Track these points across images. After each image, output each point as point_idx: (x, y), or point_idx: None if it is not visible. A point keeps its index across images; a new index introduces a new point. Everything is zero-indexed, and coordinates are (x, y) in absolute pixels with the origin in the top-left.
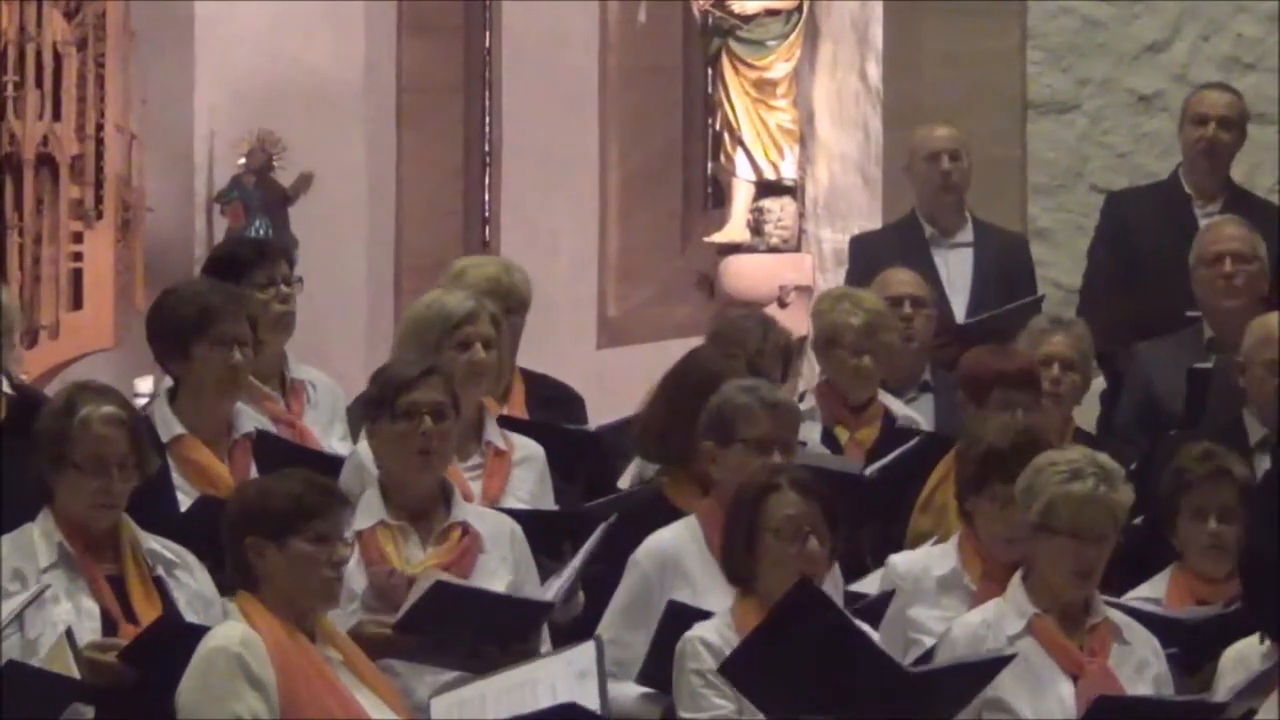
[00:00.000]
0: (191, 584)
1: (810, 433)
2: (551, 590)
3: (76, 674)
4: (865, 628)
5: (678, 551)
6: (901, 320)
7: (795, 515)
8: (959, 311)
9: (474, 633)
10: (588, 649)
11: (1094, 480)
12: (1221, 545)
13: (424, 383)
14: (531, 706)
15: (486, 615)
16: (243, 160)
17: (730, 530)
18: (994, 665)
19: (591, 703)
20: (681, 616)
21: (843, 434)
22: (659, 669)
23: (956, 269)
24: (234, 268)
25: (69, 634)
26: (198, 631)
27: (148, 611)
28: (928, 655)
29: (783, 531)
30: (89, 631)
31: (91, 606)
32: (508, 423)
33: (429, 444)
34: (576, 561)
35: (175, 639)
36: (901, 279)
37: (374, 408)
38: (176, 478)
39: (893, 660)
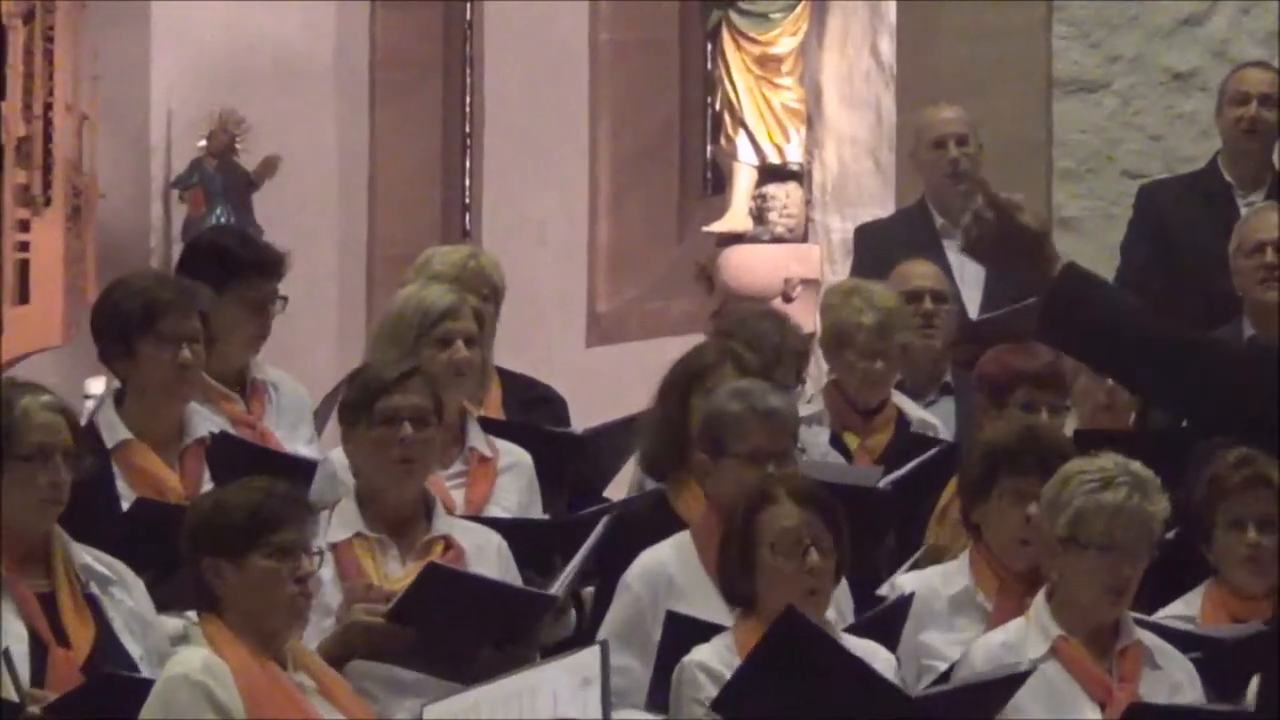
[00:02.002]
0: (128, 603)
1: (818, 438)
2: (554, 586)
3: (15, 697)
4: (868, 644)
5: (670, 571)
6: (920, 316)
7: (793, 528)
8: (971, 307)
9: (470, 626)
10: (592, 654)
11: (1127, 490)
12: (1261, 557)
13: (404, 386)
14: (530, 716)
15: (483, 605)
16: (203, 142)
17: (726, 547)
18: (1008, 685)
19: (593, 712)
20: (683, 629)
21: (852, 440)
22: (667, 690)
23: (969, 261)
24: (223, 271)
25: (6, 656)
26: (137, 685)
27: (80, 632)
28: (945, 679)
29: (780, 546)
30: (16, 656)
31: (19, 629)
32: (489, 426)
33: (410, 452)
34: (576, 561)
35: (111, 693)
36: (921, 271)
37: (350, 412)
38: (122, 486)
39: (893, 685)
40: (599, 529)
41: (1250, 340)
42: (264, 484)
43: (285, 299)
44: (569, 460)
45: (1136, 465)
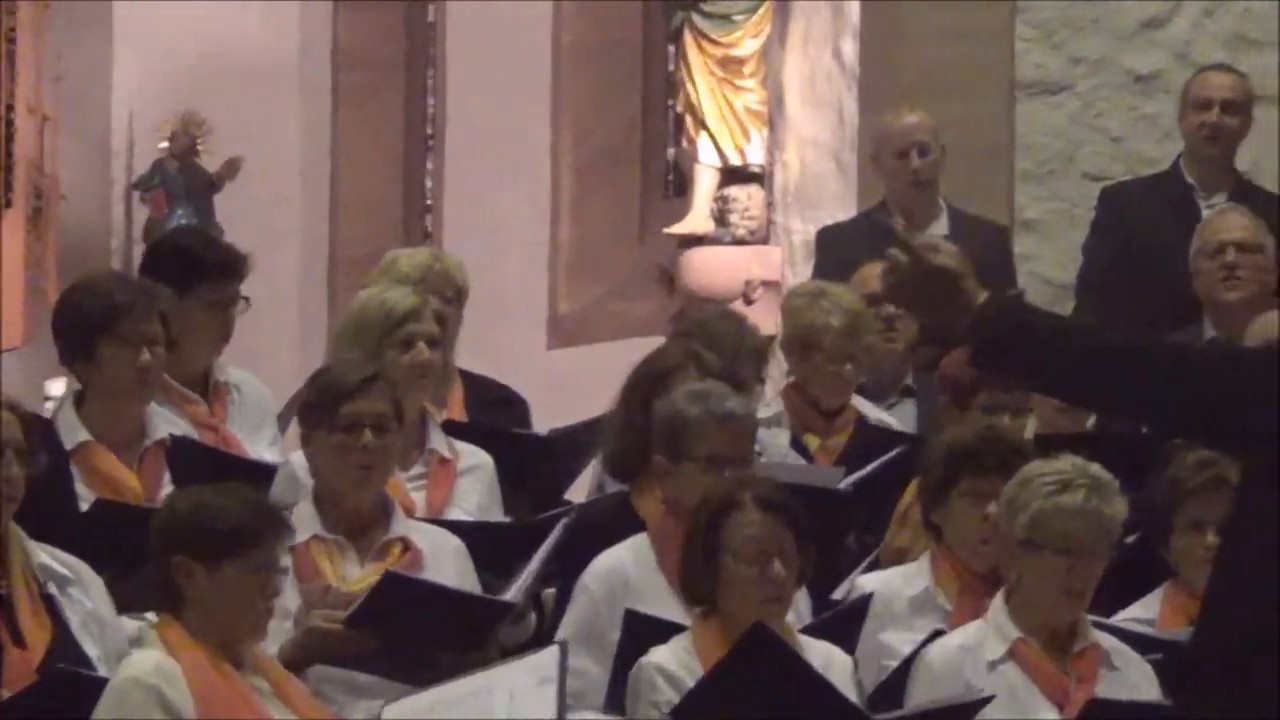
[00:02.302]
0: (86, 603)
1: (777, 439)
2: (510, 592)
3: None
4: (826, 647)
5: (628, 572)
6: (882, 320)
7: (758, 536)
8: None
9: (429, 632)
10: (550, 654)
11: (1085, 492)
12: None
13: (367, 391)
14: (487, 715)
15: (442, 612)
16: (165, 144)
17: (689, 550)
18: (968, 709)
19: (548, 711)
20: (642, 628)
21: (813, 441)
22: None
23: None
24: (186, 271)
25: None
26: (92, 684)
27: (36, 633)
28: (900, 674)
29: (743, 553)
30: None
31: None
32: (452, 428)
33: (370, 459)
34: (533, 565)
35: (66, 691)
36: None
37: (312, 414)
38: (81, 488)
39: (855, 707)
40: (556, 533)
41: (1210, 342)
42: (248, 494)
43: (248, 300)
44: (534, 462)
45: (1095, 468)
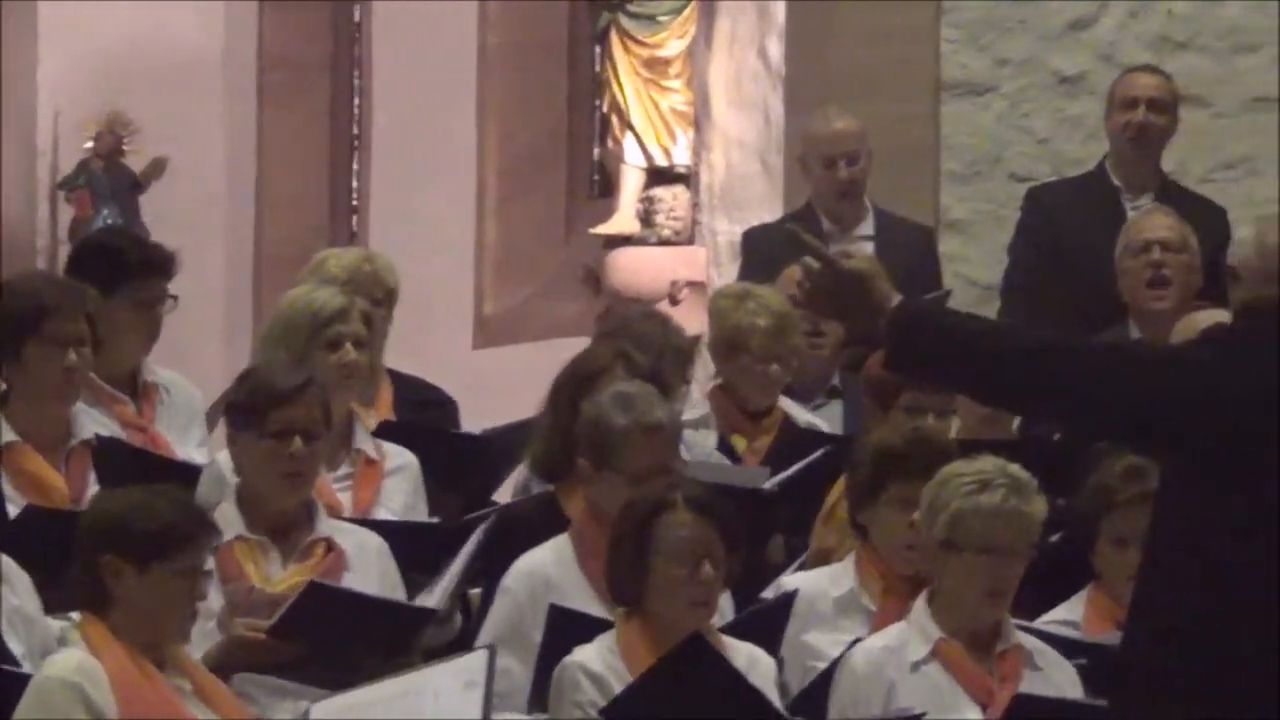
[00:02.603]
0: (12, 599)
1: (704, 440)
2: (434, 598)
3: None
4: (751, 649)
5: (549, 573)
6: (808, 321)
7: (689, 537)
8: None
9: (352, 640)
10: (478, 658)
11: (1004, 491)
12: None
13: (299, 398)
14: (414, 716)
15: (365, 621)
16: (90, 143)
17: (617, 549)
18: None
19: (473, 714)
20: (566, 623)
21: (740, 443)
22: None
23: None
24: (112, 270)
25: None
26: (14, 680)
27: None
28: (824, 677)
29: (674, 555)
30: None
31: None
32: (391, 430)
33: (299, 467)
34: (456, 566)
35: None
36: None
37: (240, 416)
38: (8, 489)
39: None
40: (476, 536)
41: (1136, 343)
42: (177, 496)
43: (175, 298)
44: (467, 462)
45: (1014, 467)
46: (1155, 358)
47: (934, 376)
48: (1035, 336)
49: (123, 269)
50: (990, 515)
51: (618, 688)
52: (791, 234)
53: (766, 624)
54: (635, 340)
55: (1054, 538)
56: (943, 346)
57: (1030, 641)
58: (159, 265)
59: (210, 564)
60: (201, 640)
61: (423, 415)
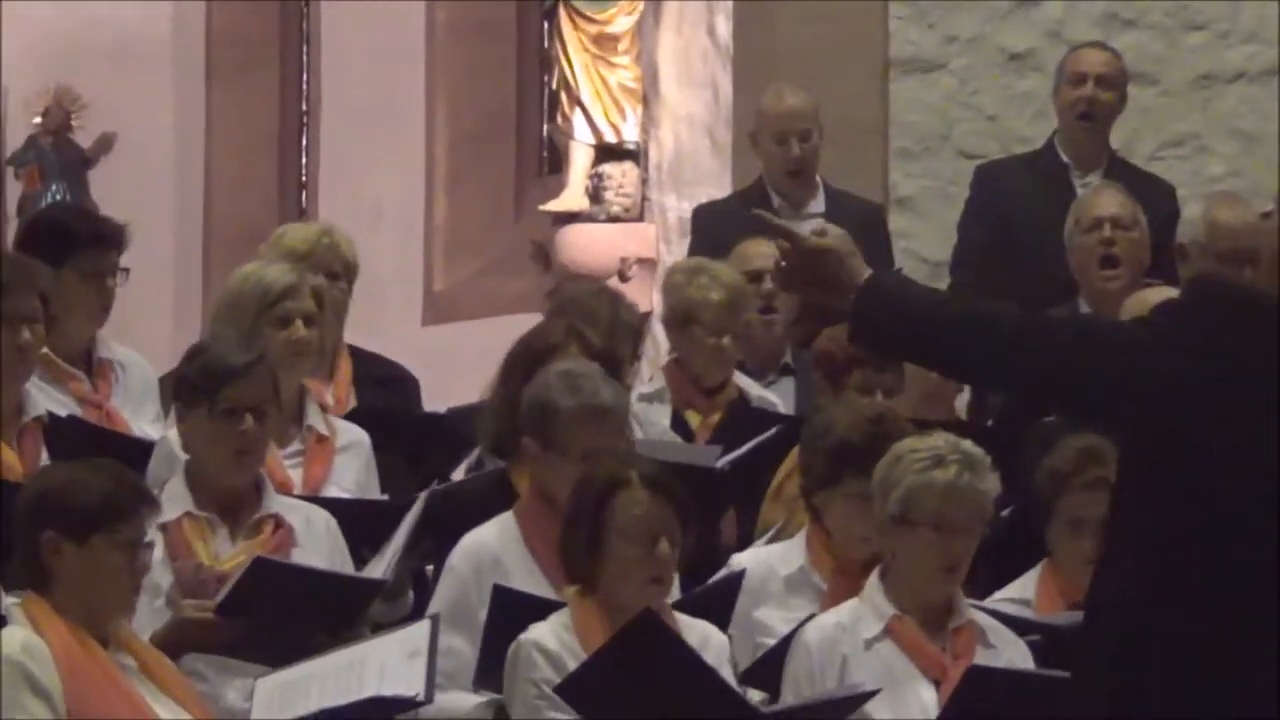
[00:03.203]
0: None
1: (659, 416)
2: (379, 569)
3: None
4: (703, 626)
5: (495, 551)
6: (761, 297)
7: (645, 516)
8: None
9: (300, 615)
10: (421, 628)
11: (957, 468)
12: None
13: (248, 375)
14: (357, 689)
15: (312, 595)
16: (39, 119)
17: (572, 527)
18: (854, 701)
19: (417, 684)
20: (510, 603)
21: (694, 418)
22: (497, 665)
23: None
24: (61, 244)
25: None
26: None
27: None
28: (775, 653)
29: (631, 534)
30: None
31: None
32: (361, 416)
33: (248, 444)
34: (399, 538)
35: None
36: (761, 251)
37: (189, 393)
38: None
39: (743, 699)
40: (416, 507)
41: (1092, 319)
42: (115, 469)
43: (126, 271)
44: (430, 442)
45: (967, 444)
46: (1110, 333)
47: (897, 352)
48: (994, 311)
49: (71, 242)
50: (943, 492)
51: (572, 665)
52: (758, 218)
53: (716, 602)
54: (586, 317)
55: (1005, 512)
56: (905, 323)
57: (983, 619)
58: (108, 238)
59: (151, 536)
60: (151, 619)
61: (382, 392)
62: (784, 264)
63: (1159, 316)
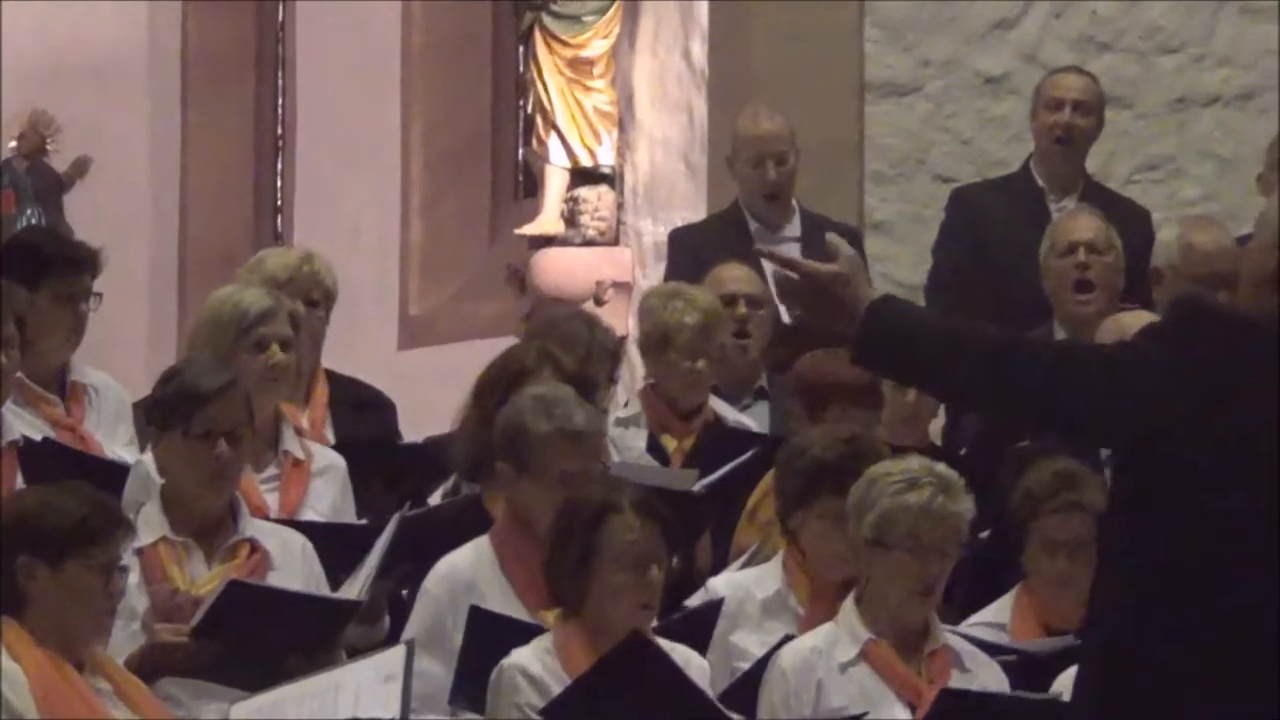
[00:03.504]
0: None
1: (635, 440)
2: (354, 589)
3: None
4: (684, 650)
5: (470, 575)
6: (736, 321)
7: (637, 541)
8: (785, 311)
9: (276, 638)
10: (397, 653)
11: (931, 490)
12: (1071, 582)
13: (222, 399)
14: (332, 712)
15: (288, 617)
16: (13, 143)
17: (560, 551)
18: None
19: (392, 708)
20: (486, 625)
21: (670, 442)
22: (472, 685)
23: None
24: (33, 267)
25: None
26: None
27: None
28: (751, 676)
29: (623, 560)
30: None
31: None
32: (348, 448)
33: (223, 469)
34: (373, 558)
35: None
36: (735, 275)
37: (163, 417)
38: None
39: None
40: (389, 528)
41: (1085, 345)
42: (89, 492)
43: (99, 295)
44: (408, 470)
45: (941, 466)
46: (1106, 357)
47: (899, 376)
48: (994, 337)
49: (43, 266)
50: (918, 514)
51: (556, 689)
52: (763, 255)
53: (695, 628)
54: (563, 340)
55: (982, 534)
56: (908, 347)
57: (958, 642)
58: (80, 262)
59: (126, 560)
60: (126, 643)
61: (359, 416)
62: (787, 285)
63: (1142, 339)
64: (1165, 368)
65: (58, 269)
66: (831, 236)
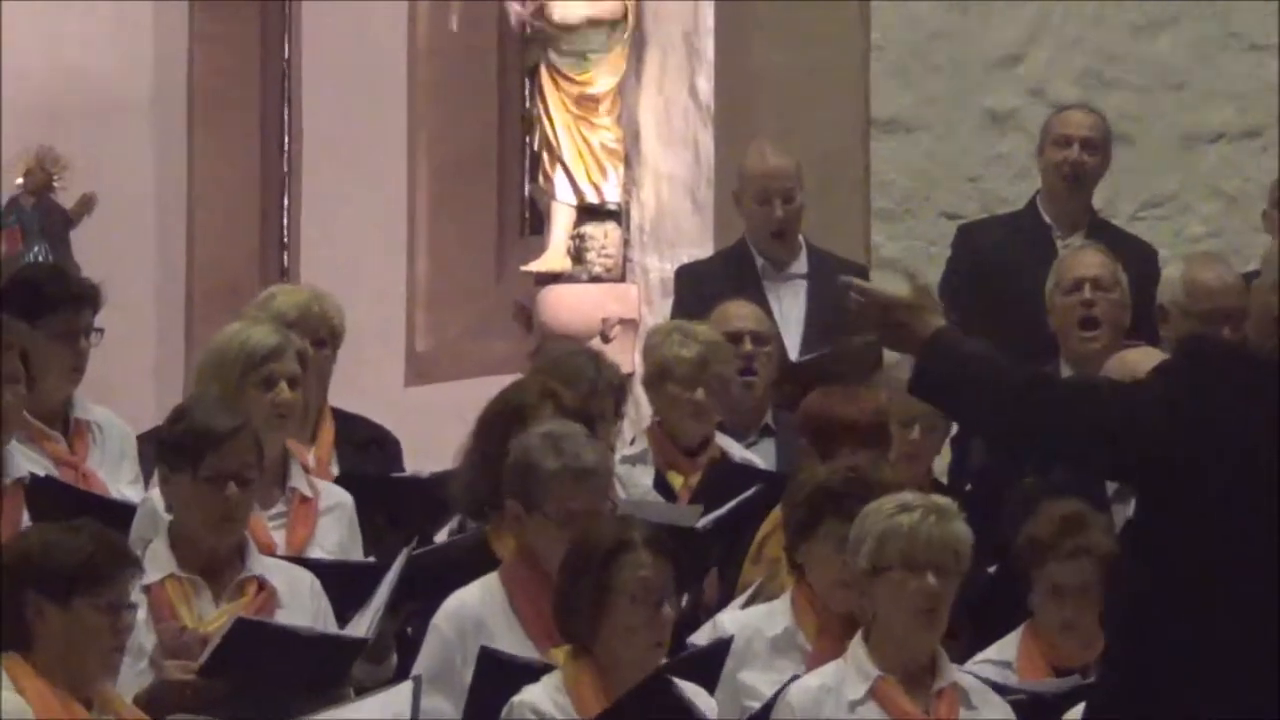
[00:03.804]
0: None
1: (642, 478)
2: (361, 627)
3: None
4: (693, 689)
5: (479, 613)
6: (741, 358)
7: (650, 578)
8: (792, 348)
9: (283, 675)
10: (404, 689)
11: (922, 511)
12: (1078, 626)
13: (232, 442)
14: None
15: (295, 654)
16: (20, 180)
17: (572, 588)
18: None
19: None
20: (497, 665)
21: (676, 479)
22: None
23: (790, 302)
24: (34, 303)
25: None
26: None
27: None
28: (760, 715)
29: (637, 597)
30: None
31: None
32: (351, 483)
33: (232, 511)
34: (381, 594)
35: None
36: (741, 313)
37: (173, 457)
38: None
39: None
40: (398, 563)
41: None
42: (97, 530)
43: (100, 331)
44: (414, 506)
45: (936, 496)
46: (1120, 390)
47: (951, 407)
48: (1031, 375)
49: (43, 302)
50: (909, 533)
51: None
52: (848, 286)
53: (704, 667)
54: (567, 377)
55: (990, 569)
56: (958, 380)
57: (967, 681)
58: (81, 297)
59: (135, 597)
60: (134, 681)
61: (365, 454)
62: (862, 310)
63: (1154, 377)
64: (1173, 400)
65: (58, 305)
66: (845, 279)
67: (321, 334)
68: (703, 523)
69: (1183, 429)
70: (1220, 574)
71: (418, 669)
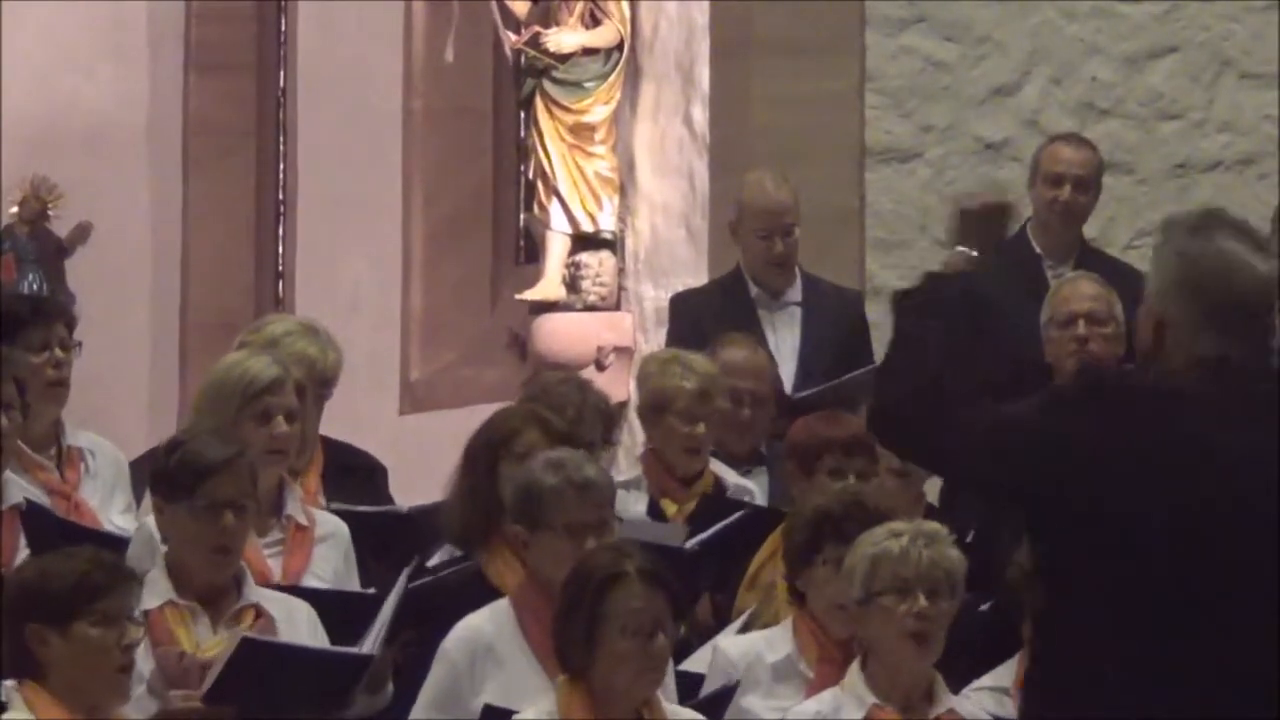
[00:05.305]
0: None
1: (636, 505)
2: (365, 645)
3: None
4: (693, 715)
5: (489, 638)
6: (734, 402)
7: (643, 609)
8: (787, 380)
9: (289, 697)
10: None
11: (910, 536)
12: None
13: (228, 472)
14: None
15: (300, 673)
16: (15, 209)
17: (567, 617)
18: None
19: None
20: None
21: (670, 507)
22: None
23: (784, 331)
24: (6, 326)
25: None
26: None
27: None
28: None
29: (630, 627)
30: None
31: None
32: (347, 514)
33: (227, 542)
34: (385, 614)
35: None
36: (739, 367)
37: (168, 488)
38: None
39: None
40: (400, 582)
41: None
42: (88, 552)
43: (79, 344)
44: (400, 538)
45: (926, 523)
46: (1003, 417)
47: (911, 326)
48: (981, 384)
49: (14, 323)
50: (899, 557)
51: None
52: (957, 261)
53: (710, 711)
54: (552, 403)
55: (984, 606)
56: (943, 313)
57: (965, 708)
58: (49, 312)
59: (137, 613)
60: (134, 705)
61: (352, 482)
62: (967, 223)
63: (1051, 401)
64: (1063, 433)
65: (27, 323)
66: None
67: (322, 381)
68: (690, 543)
69: (1073, 463)
70: (1110, 593)
71: (425, 693)
